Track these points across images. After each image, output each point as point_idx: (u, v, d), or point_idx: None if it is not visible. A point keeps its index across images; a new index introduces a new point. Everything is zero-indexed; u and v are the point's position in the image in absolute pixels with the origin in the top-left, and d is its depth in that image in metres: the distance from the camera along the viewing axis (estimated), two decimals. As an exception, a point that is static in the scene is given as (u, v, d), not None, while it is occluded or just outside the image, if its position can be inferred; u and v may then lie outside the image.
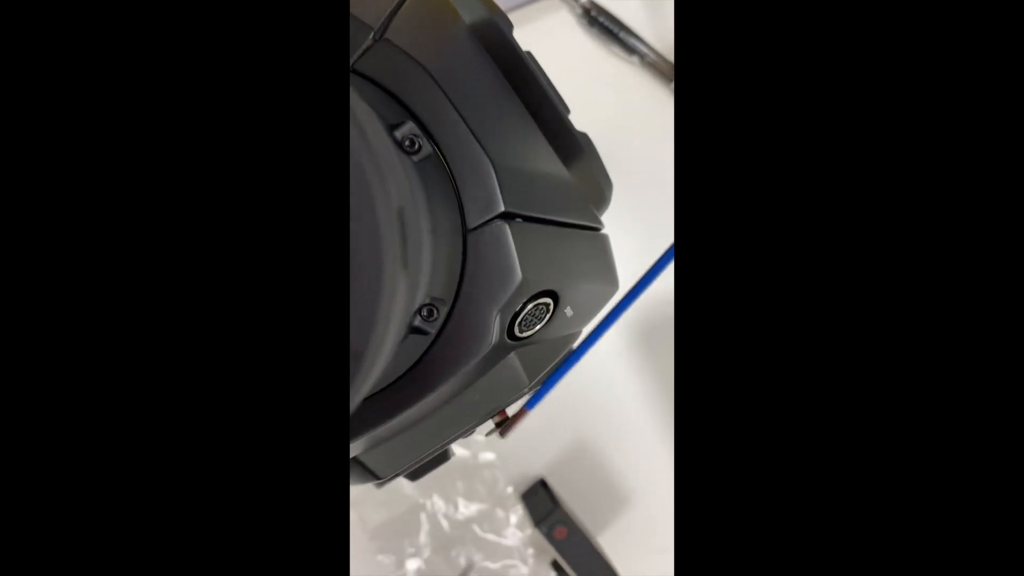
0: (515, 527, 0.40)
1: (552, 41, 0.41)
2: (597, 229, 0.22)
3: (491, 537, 0.40)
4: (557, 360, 0.22)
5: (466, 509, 0.40)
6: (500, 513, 0.40)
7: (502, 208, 0.17)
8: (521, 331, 0.19)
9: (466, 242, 0.17)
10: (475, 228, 0.17)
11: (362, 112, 0.12)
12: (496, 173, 0.17)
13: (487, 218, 0.17)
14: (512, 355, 0.19)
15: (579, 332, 0.23)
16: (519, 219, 0.18)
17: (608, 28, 0.40)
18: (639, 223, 0.41)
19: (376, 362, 0.11)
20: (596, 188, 0.22)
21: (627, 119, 0.41)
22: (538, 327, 0.20)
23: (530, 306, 0.19)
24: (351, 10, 0.17)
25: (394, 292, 0.11)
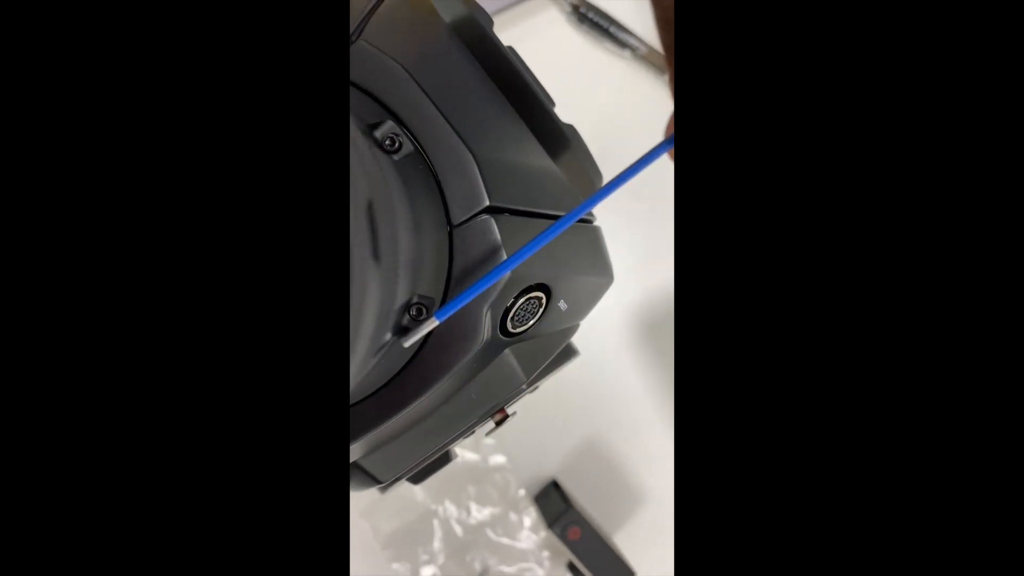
0: (529, 530, 0.39)
1: (542, 40, 0.41)
2: (589, 221, 0.22)
3: (505, 541, 0.39)
4: (555, 354, 0.22)
5: (479, 513, 0.39)
6: (513, 516, 0.39)
7: (487, 202, 0.17)
8: (514, 326, 0.19)
9: (452, 238, 0.17)
10: (460, 224, 0.17)
11: None
12: (479, 167, 0.17)
13: (472, 213, 0.17)
14: (507, 351, 0.19)
15: (577, 326, 0.23)
16: (506, 213, 0.18)
17: (598, 24, 0.40)
18: (636, 216, 0.40)
19: (354, 351, 0.11)
20: (586, 180, 0.22)
21: (621, 113, 0.40)
22: (532, 322, 0.19)
23: (521, 300, 0.19)
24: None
25: (364, 283, 0.11)
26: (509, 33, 0.40)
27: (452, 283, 0.17)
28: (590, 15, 0.40)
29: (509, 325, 0.19)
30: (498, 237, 0.17)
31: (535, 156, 0.19)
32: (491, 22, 0.21)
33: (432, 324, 0.16)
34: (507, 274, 0.17)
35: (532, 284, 0.19)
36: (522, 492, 0.40)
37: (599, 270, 0.21)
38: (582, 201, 0.22)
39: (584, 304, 0.22)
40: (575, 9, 0.40)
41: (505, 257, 0.17)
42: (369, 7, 0.18)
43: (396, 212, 0.14)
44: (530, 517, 0.39)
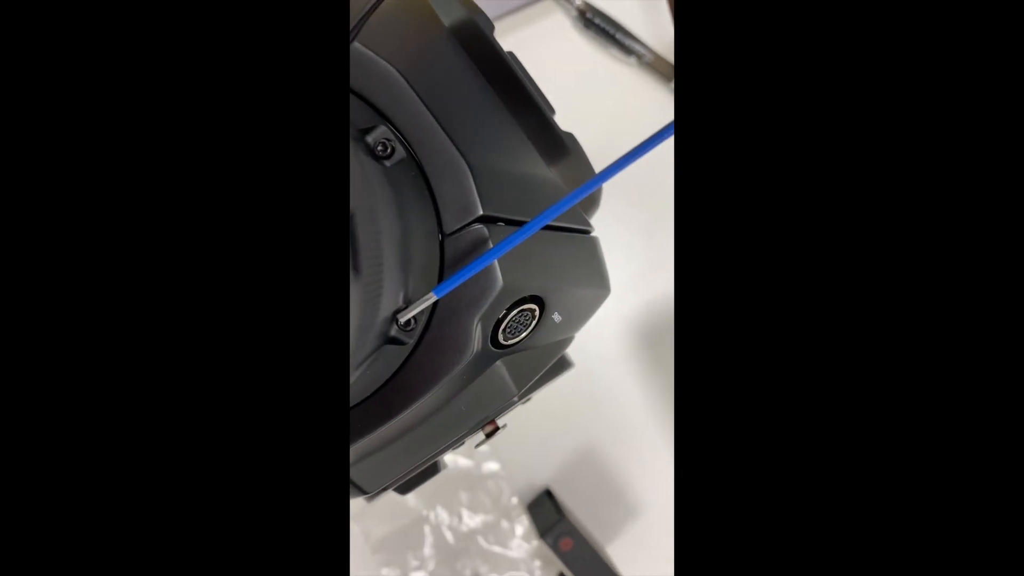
0: (521, 538, 0.39)
1: (547, 45, 0.40)
2: (586, 232, 0.21)
3: (496, 549, 0.39)
4: (548, 366, 0.21)
5: (470, 520, 0.39)
6: (505, 524, 0.39)
7: (480, 211, 0.17)
8: (506, 338, 0.19)
9: (443, 247, 0.17)
10: (452, 233, 0.17)
11: None
12: (473, 176, 0.17)
13: (465, 222, 0.17)
14: (499, 363, 0.19)
15: (571, 338, 0.22)
16: (500, 223, 0.18)
17: (604, 29, 0.39)
18: (636, 225, 0.40)
19: None
20: (584, 190, 0.22)
21: (625, 120, 0.40)
22: (524, 334, 0.19)
23: (514, 312, 0.18)
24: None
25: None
26: (514, 37, 0.40)
27: (443, 293, 0.17)
28: (596, 20, 0.39)
29: (501, 337, 0.18)
30: (491, 247, 0.17)
31: (532, 164, 0.19)
32: (492, 27, 0.20)
33: (430, 300, 0.16)
34: (500, 286, 0.17)
35: (525, 296, 0.18)
36: (515, 500, 0.39)
37: (595, 282, 0.21)
38: (579, 212, 0.21)
39: (579, 316, 0.21)
40: (581, 14, 0.39)
41: (499, 270, 0.17)
42: (366, 9, 0.17)
43: (380, 223, 0.14)
44: (522, 526, 0.39)
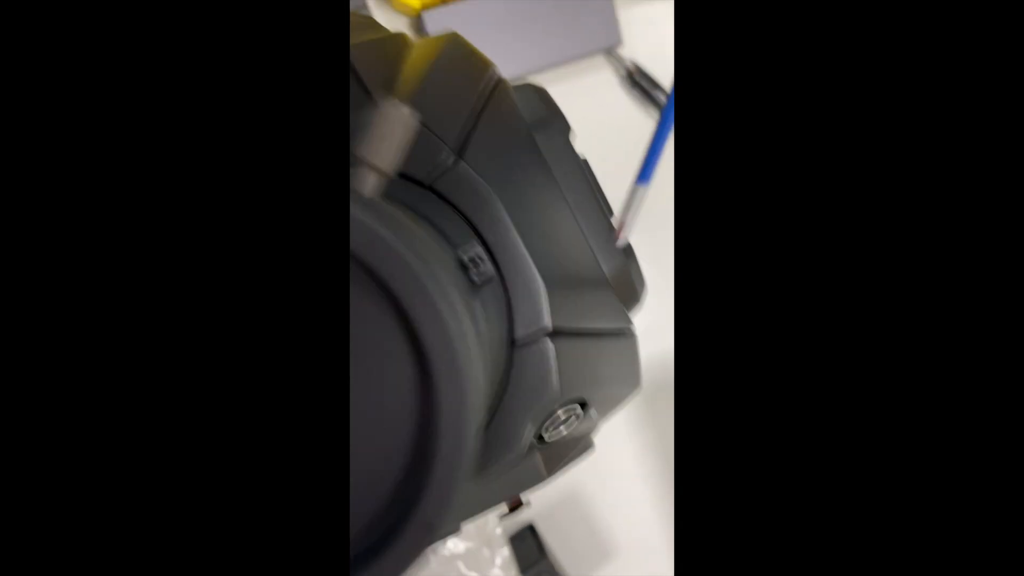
0: (499, 568, 0.41)
1: (594, 100, 0.41)
2: (628, 331, 0.23)
3: None
4: (575, 452, 0.23)
5: (453, 544, 0.40)
6: (486, 552, 0.40)
7: (550, 328, 0.18)
8: (549, 436, 0.20)
9: (512, 356, 0.18)
10: (521, 344, 0.18)
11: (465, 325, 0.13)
12: (547, 294, 0.18)
13: (534, 335, 0.18)
14: (536, 453, 0.20)
15: (597, 425, 0.24)
16: (562, 335, 0.19)
17: (647, 91, 0.41)
18: (660, 284, 0.41)
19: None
20: (631, 290, 0.23)
21: (659, 182, 0.41)
22: (565, 431, 0.20)
23: (560, 411, 0.20)
24: (429, 123, 0.18)
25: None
26: (564, 85, 0.41)
27: (506, 397, 0.18)
28: (642, 82, 0.40)
29: (544, 435, 0.20)
30: (553, 361, 0.18)
31: (592, 272, 0.20)
32: (569, 128, 0.22)
33: (642, 193, 0.16)
34: (557, 396, 0.18)
35: (573, 399, 0.20)
36: (499, 531, 0.41)
37: (630, 381, 0.22)
38: (626, 314, 0.22)
39: (611, 409, 0.23)
40: (629, 75, 0.40)
41: (558, 381, 0.18)
42: (470, 126, 0.18)
43: (476, 367, 0.15)
44: (502, 556, 0.41)
